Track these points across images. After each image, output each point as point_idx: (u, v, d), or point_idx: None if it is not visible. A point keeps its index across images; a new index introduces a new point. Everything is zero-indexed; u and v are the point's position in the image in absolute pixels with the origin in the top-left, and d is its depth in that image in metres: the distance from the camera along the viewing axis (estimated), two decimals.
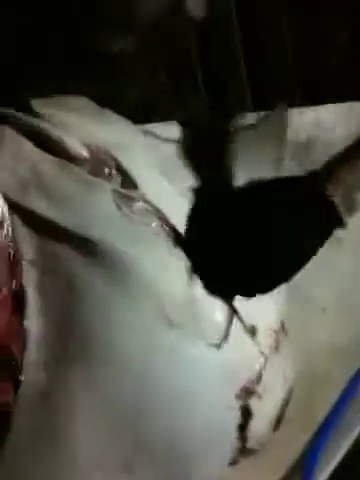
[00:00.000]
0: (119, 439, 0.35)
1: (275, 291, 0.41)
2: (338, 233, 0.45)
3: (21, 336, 0.35)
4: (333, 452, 0.50)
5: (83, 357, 0.35)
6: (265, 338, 0.40)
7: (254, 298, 0.40)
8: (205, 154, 0.44)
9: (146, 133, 0.43)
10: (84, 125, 0.41)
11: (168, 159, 0.43)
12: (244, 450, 0.39)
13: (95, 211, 0.37)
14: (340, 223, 0.40)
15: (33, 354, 0.35)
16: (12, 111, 0.39)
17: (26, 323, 0.35)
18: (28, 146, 0.38)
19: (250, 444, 0.39)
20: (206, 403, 0.37)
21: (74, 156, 0.38)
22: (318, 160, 0.47)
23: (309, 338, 0.51)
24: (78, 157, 0.38)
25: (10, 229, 0.35)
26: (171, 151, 0.44)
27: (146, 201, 0.38)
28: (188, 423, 0.36)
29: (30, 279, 0.36)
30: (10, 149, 0.38)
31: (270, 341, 0.41)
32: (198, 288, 0.37)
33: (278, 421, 0.41)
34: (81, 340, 0.35)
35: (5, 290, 0.35)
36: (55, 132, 0.38)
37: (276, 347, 0.41)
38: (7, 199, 0.36)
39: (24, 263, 0.36)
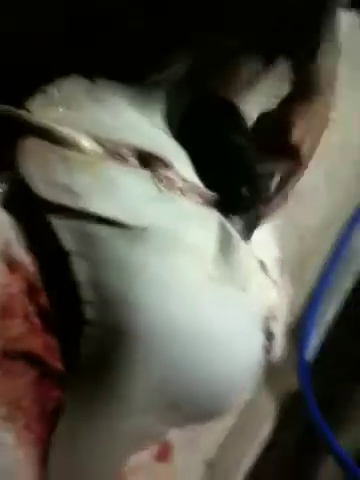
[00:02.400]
0: (171, 386, 0.39)
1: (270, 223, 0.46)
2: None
3: None
4: (324, 316, 0.61)
5: (143, 333, 0.37)
6: (273, 268, 0.45)
7: (256, 236, 0.44)
8: None
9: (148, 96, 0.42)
10: (88, 115, 0.39)
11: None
12: (267, 366, 0.45)
13: (141, 199, 0.37)
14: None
15: (88, 331, 0.37)
16: (21, 113, 0.36)
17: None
18: (54, 154, 0.36)
19: (272, 359, 0.45)
20: (240, 343, 0.41)
21: (89, 153, 0.37)
22: None
23: (302, 226, 0.58)
24: (94, 153, 0.37)
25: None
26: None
27: (182, 178, 0.38)
28: (226, 363, 0.41)
29: (78, 271, 0.36)
30: (38, 160, 0.36)
31: (276, 268, 0.45)
32: (231, 238, 0.40)
33: (285, 332, 0.47)
34: (141, 317, 0.37)
35: None
36: (64, 130, 0.36)
37: (279, 270, 0.46)
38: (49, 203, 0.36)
39: (71, 255, 0.36)
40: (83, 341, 0.37)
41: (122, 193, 0.37)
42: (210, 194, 0.40)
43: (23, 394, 0.37)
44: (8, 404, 0.36)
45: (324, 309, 0.63)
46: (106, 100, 0.40)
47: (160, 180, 0.38)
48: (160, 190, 0.38)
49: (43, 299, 0.38)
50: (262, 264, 0.43)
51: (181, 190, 0.39)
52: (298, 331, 0.60)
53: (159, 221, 0.37)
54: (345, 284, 0.64)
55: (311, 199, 0.59)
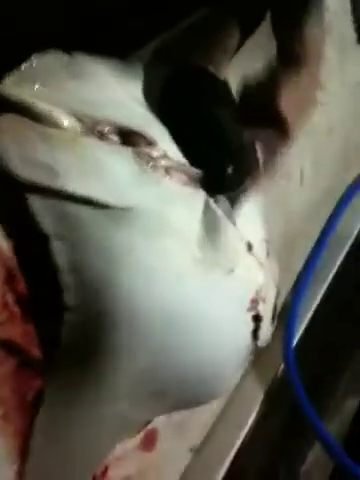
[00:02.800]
0: (158, 373, 0.38)
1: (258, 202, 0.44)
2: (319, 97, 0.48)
3: None
4: (310, 301, 0.60)
5: (127, 320, 0.36)
6: (260, 250, 0.44)
7: (242, 216, 0.42)
8: None
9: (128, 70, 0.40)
10: (66, 91, 0.36)
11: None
12: (255, 350, 0.44)
13: (124, 178, 0.35)
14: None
15: (70, 318, 0.35)
16: None
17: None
18: (34, 131, 0.34)
19: (260, 343, 0.44)
20: (228, 326, 0.41)
21: (69, 130, 0.35)
22: None
23: (289, 208, 0.57)
24: (74, 130, 0.35)
25: None
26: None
27: (166, 156, 0.37)
28: (214, 347, 0.40)
29: (58, 254, 0.35)
30: (17, 139, 0.34)
31: (264, 250, 0.44)
32: (216, 220, 0.39)
33: (274, 315, 0.47)
34: (123, 301, 0.36)
35: None
36: (42, 106, 0.34)
37: (267, 253, 0.45)
38: (28, 183, 0.34)
39: (51, 239, 0.35)
40: (64, 328, 0.36)
41: (104, 172, 0.35)
42: (195, 172, 0.39)
43: (1, 384, 0.36)
44: None
45: (311, 294, 0.62)
46: (85, 75, 0.38)
47: (143, 158, 0.36)
48: (143, 169, 0.36)
49: (22, 286, 0.36)
50: (249, 245, 0.42)
51: (165, 169, 0.37)
52: (284, 316, 0.59)
53: (143, 202, 0.36)
54: (331, 268, 0.64)
55: (298, 181, 0.58)
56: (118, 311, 0.36)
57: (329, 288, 0.63)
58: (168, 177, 0.37)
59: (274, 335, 0.48)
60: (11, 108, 0.35)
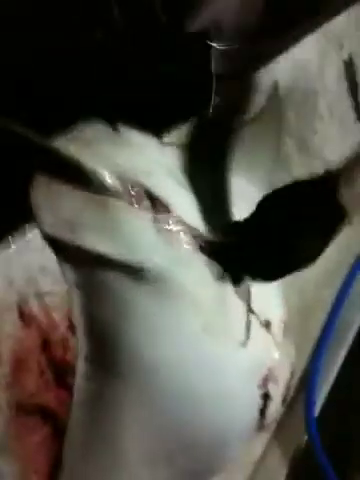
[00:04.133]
0: (163, 438, 0.40)
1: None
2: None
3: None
4: (330, 367, 0.60)
5: (132, 374, 0.38)
6: (278, 329, 0.45)
7: (265, 295, 0.44)
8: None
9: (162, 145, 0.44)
10: (107, 154, 0.41)
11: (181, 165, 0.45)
12: (262, 428, 0.45)
13: (139, 240, 0.39)
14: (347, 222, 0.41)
15: (82, 368, 0.38)
16: (50, 142, 0.39)
17: (76, 341, 0.38)
18: (67, 189, 0.37)
19: (267, 422, 0.45)
20: (236, 398, 0.42)
21: (108, 188, 0.38)
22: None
23: (303, 276, 0.58)
24: (112, 189, 0.38)
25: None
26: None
27: (181, 222, 0.40)
28: (221, 418, 0.42)
29: (75, 301, 0.38)
30: (50, 195, 0.37)
31: (281, 330, 0.46)
32: (227, 291, 0.41)
33: (286, 397, 0.47)
34: (130, 358, 0.38)
35: None
36: (88, 163, 0.38)
37: (284, 333, 0.47)
38: (53, 238, 0.37)
39: (69, 287, 0.38)
40: (77, 378, 0.38)
41: (122, 233, 0.38)
42: (209, 238, 0.41)
43: (37, 452, 0.37)
44: (22, 461, 0.36)
45: (328, 363, 0.62)
46: (126, 144, 0.43)
47: (162, 223, 0.39)
48: (161, 233, 0.39)
49: (56, 353, 0.38)
50: (267, 323, 0.44)
51: (181, 234, 0.40)
52: (305, 385, 0.59)
53: (158, 263, 0.39)
54: (349, 334, 0.64)
55: None
56: (123, 365, 0.38)
57: (348, 352, 0.62)
58: (184, 242, 0.40)
59: (295, 405, 0.48)
60: (61, 164, 0.39)
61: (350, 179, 0.39)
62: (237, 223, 0.42)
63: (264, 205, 0.40)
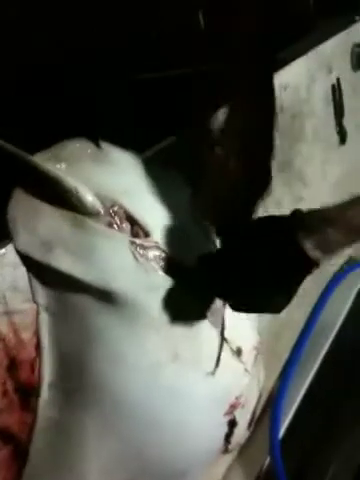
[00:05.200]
0: (126, 466, 0.40)
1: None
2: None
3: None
4: (298, 389, 0.60)
5: (96, 403, 0.38)
6: (249, 356, 0.46)
7: (238, 322, 0.44)
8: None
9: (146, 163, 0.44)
10: (89, 172, 0.40)
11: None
12: (226, 451, 0.45)
13: (114, 264, 0.38)
14: (315, 265, 0.40)
15: (46, 394, 0.37)
16: (31, 158, 0.38)
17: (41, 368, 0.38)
18: (45, 207, 0.37)
19: (231, 447, 0.46)
20: (201, 427, 0.42)
21: (88, 207, 0.38)
22: None
23: None
24: (92, 209, 0.38)
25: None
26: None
27: (159, 248, 0.40)
28: (185, 446, 0.42)
29: (43, 322, 0.38)
30: (28, 212, 0.37)
31: (252, 357, 0.46)
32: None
33: (252, 421, 0.48)
34: (95, 386, 0.38)
35: None
36: (69, 181, 0.38)
37: (255, 359, 0.47)
38: (29, 258, 0.37)
39: (39, 308, 0.37)
40: (40, 404, 0.37)
41: (95, 256, 0.38)
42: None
43: None
44: None
45: (295, 386, 0.62)
46: (107, 162, 0.42)
47: (137, 248, 0.39)
48: (135, 258, 0.39)
49: (23, 375, 0.37)
50: (238, 351, 0.44)
51: (156, 260, 0.40)
52: (271, 408, 0.59)
53: (129, 288, 0.38)
54: (316, 359, 0.65)
55: None
56: (87, 392, 0.37)
57: (313, 380, 0.63)
58: (159, 268, 0.40)
59: (260, 428, 0.48)
60: (41, 180, 0.38)
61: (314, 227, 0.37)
62: (210, 255, 0.41)
63: (229, 244, 0.40)
